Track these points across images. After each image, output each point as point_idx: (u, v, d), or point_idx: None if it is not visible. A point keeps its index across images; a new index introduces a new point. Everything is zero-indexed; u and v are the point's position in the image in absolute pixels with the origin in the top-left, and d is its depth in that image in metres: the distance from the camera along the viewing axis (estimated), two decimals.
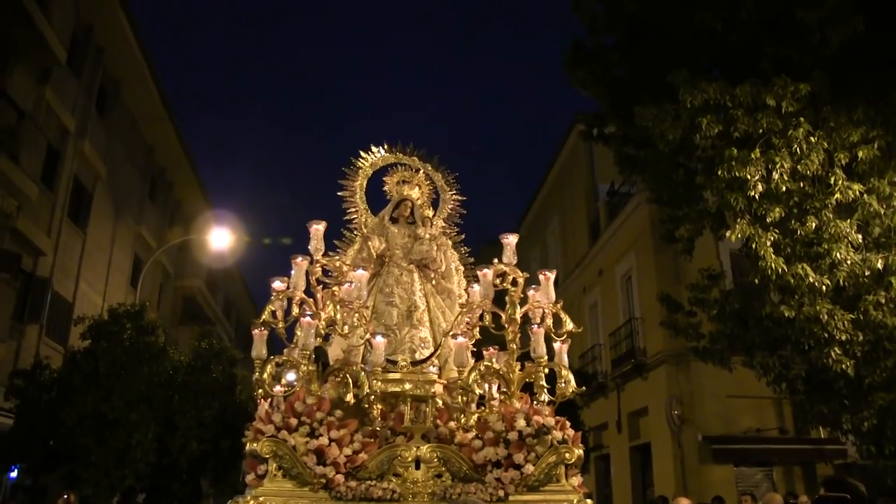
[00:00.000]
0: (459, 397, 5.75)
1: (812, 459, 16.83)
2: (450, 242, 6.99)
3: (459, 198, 7.18)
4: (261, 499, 4.94)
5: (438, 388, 5.70)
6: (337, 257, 6.36)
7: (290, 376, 5.87)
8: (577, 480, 5.48)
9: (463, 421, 5.67)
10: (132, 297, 21.39)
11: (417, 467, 5.20)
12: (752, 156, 8.75)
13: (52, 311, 18.09)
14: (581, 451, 5.51)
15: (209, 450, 14.53)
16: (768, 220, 8.98)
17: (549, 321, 5.91)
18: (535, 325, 5.78)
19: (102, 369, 14.00)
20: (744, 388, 14.85)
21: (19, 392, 14.43)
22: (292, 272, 5.81)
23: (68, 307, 18.99)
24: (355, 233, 6.90)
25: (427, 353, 6.18)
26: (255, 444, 5.11)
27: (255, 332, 5.72)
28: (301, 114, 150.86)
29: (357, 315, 5.74)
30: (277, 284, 5.78)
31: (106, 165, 21.18)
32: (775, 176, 8.77)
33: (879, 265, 9.00)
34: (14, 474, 16.75)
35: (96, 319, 15.27)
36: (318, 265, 6.00)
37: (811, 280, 8.84)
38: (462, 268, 6.95)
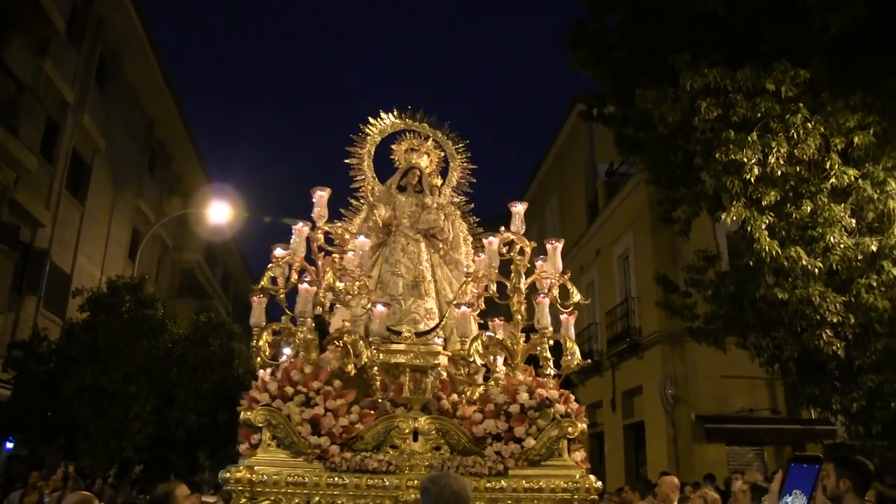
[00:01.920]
0: (463, 369, 5.69)
1: (803, 439, 17.00)
2: (458, 212, 6.80)
3: (470, 166, 6.95)
4: (254, 468, 4.82)
5: (443, 360, 5.54)
6: (339, 224, 6.17)
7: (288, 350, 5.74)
8: (579, 455, 5.34)
9: (468, 394, 5.56)
10: (130, 269, 21.42)
11: (415, 439, 5.11)
12: (750, 139, 8.83)
13: (50, 283, 18.16)
14: (584, 426, 5.33)
15: (207, 422, 14.69)
16: (764, 203, 9.07)
17: (556, 292, 5.75)
18: (541, 296, 5.57)
19: (101, 342, 14.12)
20: (737, 369, 14.96)
21: (17, 363, 14.58)
22: (293, 238, 5.68)
23: (66, 279, 19.05)
24: (362, 201, 6.68)
25: (432, 324, 6.03)
26: (249, 413, 5.00)
27: (254, 298, 5.57)
28: (301, 88, 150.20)
29: (358, 283, 5.59)
30: (279, 251, 5.64)
31: (105, 138, 21.16)
32: (771, 160, 8.86)
33: (873, 248, 9.11)
34: (10, 445, 16.89)
35: (95, 292, 15.37)
36: (319, 231, 5.82)
37: (804, 263, 8.95)
38: (471, 238, 6.72)
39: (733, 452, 17.54)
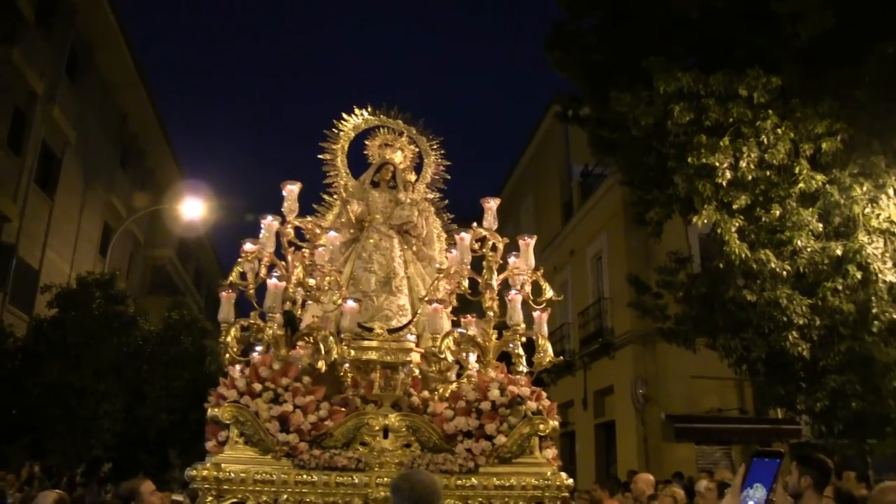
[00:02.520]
0: (435, 366, 5.64)
1: (769, 439, 17.24)
2: (432, 209, 6.72)
3: (444, 163, 6.87)
4: (221, 466, 4.72)
5: (415, 357, 5.54)
6: (310, 219, 6.14)
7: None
8: (551, 453, 5.30)
9: (441, 391, 5.52)
10: (101, 265, 21.23)
11: (386, 436, 5.05)
12: (722, 144, 8.97)
13: (17, 279, 17.89)
14: (556, 423, 5.31)
15: (178, 420, 14.58)
16: (734, 206, 9.22)
17: (528, 289, 5.72)
18: (514, 292, 5.57)
19: (70, 338, 13.99)
20: (707, 370, 15.14)
21: None
22: (262, 233, 5.60)
23: (34, 275, 18.78)
24: (335, 197, 6.63)
25: (405, 320, 5.96)
26: (216, 410, 4.93)
27: (223, 293, 5.47)
28: (275, 84, 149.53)
29: (329, 279, 5.52)
30: (248, 246, 5.58)
31: (76, 131, 20.88)
32: (743, 164, 9.01)
33: (838, 252, 9.28)
34: None
35: (64, 288, 15.20)
36: (289, 226, 5.76)
37: (773, 266, 9.12)
38: (444, 235, 6.68)
39: (702, 451, 17.76)
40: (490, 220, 5.91)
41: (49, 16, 18.83)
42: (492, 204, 5.97)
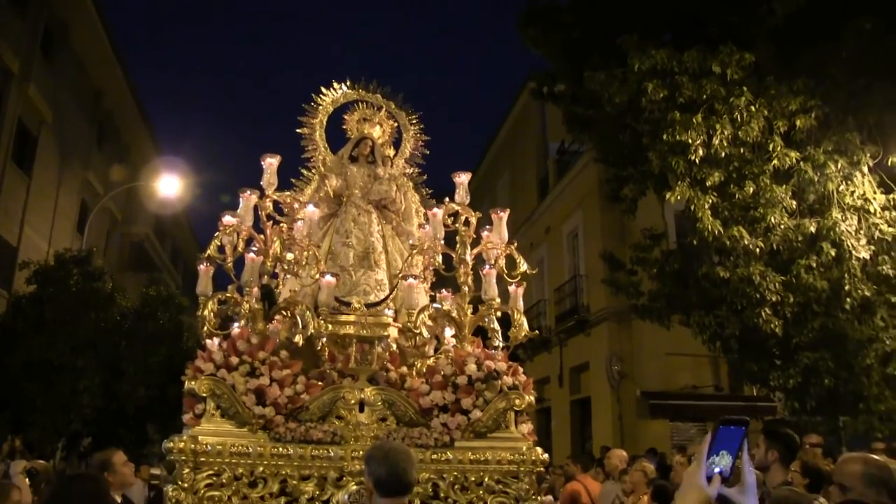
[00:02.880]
0: (411, 341, 5.64)
1: (745, 415, 17.38)
2: (410, 184, 6.69)
3: (423, 138, 6.83)
4: (198, 438, 4.73)
5: (392, 332, 5.50)
6: (288, 193, 6.11)
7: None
8: (526, 428, 5.31)
9: (419, 366, 5.53)
10: (78, 242, 21.11)
11: (361, 410, 5.05)
12: (694, 121, 9.03)
13: None
14: (532, 399, 5.28)
15: (156, 396, 14.62)
16: (708, 183, 9.29)
17: (503, 262, 5.70)
18: (488, 267, 5.56)
19: (48, 315, 14.00)
20: (682, 347, 15.28)
21: None
22: (240, 206, 5.59)
23: (13, 251, 18.69)
24: (313, 171, 6.58)
25: (382, 295, 5.89)
26: (193, 383, 4.92)
27: (201, 266, 5.44)
28: (253, 59, 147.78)
29: (307, 253, 5.51)
30: (227, 219, 5.54)
31: (52, 109, 20.67)
32: (716, 141, 9.07)
33: (811, 230, 9.39)
34: None
35: (42, 265, 15.15)
36: (268, 200, 5.75)
37: (746, 242, 9.21)
38: (423, 210, 6.57)
39: (677, 428, 17.96)
40: (462, 194, 5.90)
41: None
42: (463, 178, 5.96)
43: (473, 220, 5.84)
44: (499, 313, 5.58)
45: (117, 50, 23.78)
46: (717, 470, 2.01)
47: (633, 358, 17.79)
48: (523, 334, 5.50)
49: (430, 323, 5.52)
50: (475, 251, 5.78)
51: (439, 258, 5.88)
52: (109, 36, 22.92)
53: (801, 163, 9.37)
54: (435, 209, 5.71)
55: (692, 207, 9.34)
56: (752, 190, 9.33)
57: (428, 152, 6.87)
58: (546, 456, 5.21)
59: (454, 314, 5.61)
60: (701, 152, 9.15)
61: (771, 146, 9.27)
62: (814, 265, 9.50)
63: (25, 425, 13.88)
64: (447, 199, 5.94)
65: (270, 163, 5.84)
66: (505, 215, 5.87)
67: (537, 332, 5.83)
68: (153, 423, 16.18)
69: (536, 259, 23.86)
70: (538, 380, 21.92)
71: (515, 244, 5.80)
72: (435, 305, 5.72)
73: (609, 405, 17.88)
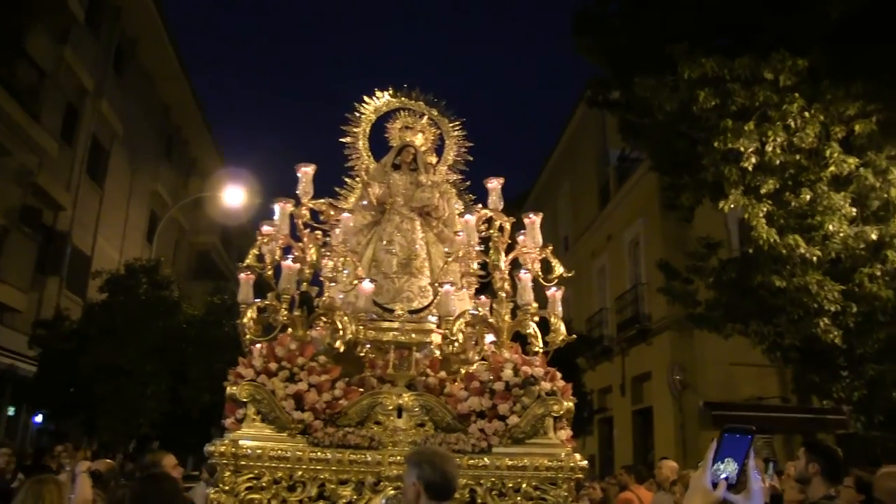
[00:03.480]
0: (451, 347, 5.49)
1: (813, 429, 16.96)
2: (454, 190, 6.67)
3: (466, 144, 6.81)
4: (238, 442, 4.81)
5: (435, 338, 5.46)
6: (324, 201, 6.10)
7: None
8: (565, 434, 5.19)
9: (462, 373, 5.47)
10: (148, 252, 21.83)
11: (399, 416, 5.05)
12: (746, 128, 8.88)
13: (72, 265, 18.66)
14: (571, 405, 5.19)
15: (219, 401, 14.94)
16: (763, 191, 9.11)
17: (538, 267, 5.65)
18: (523, 272, 5.50)
19: (119, 321, 14.50)
20: (746, 357, 14.94)
21: (41, 341, 15.08)
22: (275, 215, 5.63)
23: (87, 261, 19.49)
24: (357, 179, 6.60)
25: (426, 301, 5.89)
26: (234, 388, 5.02)
27: (241, 276, 5.55)
28: (312, 71, 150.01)
29: (343, 260, 5.58)
30: (265, 228, 5.60)
31: (123, 123, 21.55)
32: (769, 149, 8.90)
33: (873, 237, 9.13)
34: (39, 419, 17.44)
35: (113, 273, 15.73)
36: (303, 208, 5.78)
37: (802, 251, 8.98)
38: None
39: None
40: (495, 199, 5.88)
41: (97, 14, 19.49)
42: (495, 183, 5.93)
43: (507, 226, 5.83)
44: (537, 318, 5.51)
45: (183, 65, 24.60)
46: (722, 476, 2.08)
47: (696, 367, 17.49)
48: (561, 339, 5.42)
49: (468, 330, 5.47)
50: (511, 256, 5.75)
51: (474, 264, 5.92)
52: (176, 52, 23.79)
53: (861, 169, 9.13)
54: (467, 216, 5.74)
55: (746, 216, 9.19)
56: (808, 197, 9.12)
57: (471, 158, 6.84)
58: (585, 462, 5.10)
59: (492, 320, 5.59)
60: (754, 160, 9.00)
61: (828, 152, 9.05)
62: (878, 274, 9.22)
63: (97, 428, 14.45)
64: (479, 205, 5.96)
65: (305, 171, 5.90)
66: (538, 219, 5.79)
67: (574, 336, 5.67)
68: (216, 427, 16.57)
69: (598, 267, 23.74)
70: (600, 389, 22.03)
71: (550, 248, 5.73)
72: (472, 311, 5.66)
73: (671, 415, 17.63)
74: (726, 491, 2.07)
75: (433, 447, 3.30)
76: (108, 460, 7.27)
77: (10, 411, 17.17)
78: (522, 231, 5.82)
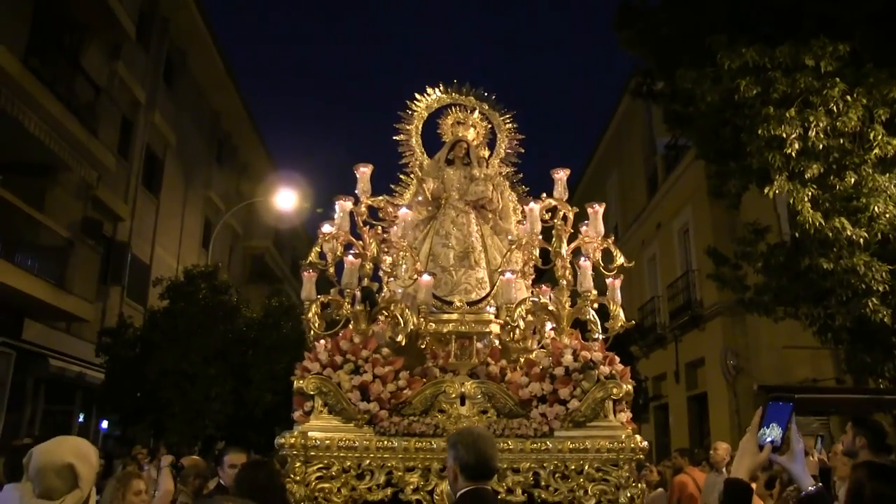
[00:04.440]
0: (511, 335, 5.61)
1: (869, 409, 16.78)
2: (507, 183, 6.76)
3: (517, 137, 6.89)
4: (307, 434, 4.95)
5: (494, 328, 5.54)
6: (382, 198, 6.22)
7: None
8: (625, 416, 5.29)
9: (522, 361, 5.57)
10: (204, 258, 22.43)
11: (462, 403, 5.17)
12: (788, 115, 8.93)
13: (132, 274, 19.27)
14: (630, 387, 5.28)
15: (281, 401, 15.39)
16: (807, 175, 9.15)
17: (598, 256, 5.74)
18: (583, 259, 5.57)
19: (181, 327, 15.02)
20: (799, 339, 14.88)
21: (107, 349, 15.64)
22: (336, 214, 5.77)
23: (146, 269, 20.13)
24: (411, 176, 6.72)
25: (484, 293, 5.98)
26: (301, 382, 5.15)
27: (304, 273, 5.69)
28: (358, 72, 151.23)
29: (403, 255, 5.70)
30: (326, 227, 5.73)
31: (175, 133, 22.16)
32: (811, 134, 8.95)
33: None
34: (105, 425, 18.11)
35: (173, 280, 16.25)
36: (363, 206, 5.91)
37: (849, 233, 9.02)
38: (520, 208, 6.54)
39: (798, 422, 17.34)
40: (560, 190, 5.99)
41: (147, 28, 20.05)
42: (561, 174, 6.04)
43: (570, 216, 5.91)
44: (596, 305, 5.63)
45: (231, 73, 25.15)
46: (768, 440, 2.35)
47: (749, 352, 17.49)
48: (619, 325, 5.53)
49: (528, 317, 5.58)
50: (573, 245, 5.85)
51: (536, 252, 6.01)
52: (224, 60, 24.32)
53: None
54: (532, 204, 5.80)
55: (791, 200, 9.25)
56: (853, 180, 9.14)
57: (523, 150, 6.93)
58: (645, 444, 5.18)
59: (552, 307, 5.69)
60: (797, 146, 9.05)
61: (871, 135, 9.04)
62: None
63: (165, 430, 14.98)
64: (544, 194, 6.01)
65: (363, 171, 6.04)
66: (601, 209, 5.91)
67: (633, 322, 5.78)
68: (280, 426, 17.00)
69: (648, 256, 23.74)
70: (655, 377, 22.06)
71: (612, 238, 5.87)
72: (532, 299, 5.77)
73: (725, 400, 17.62)
74: (772, 453, 2.30)
75: (472, 428, 3.32)
76: (195, 457, 7.68)
77: (80, 418, 17.81)
78: (585, 221, 5.92)
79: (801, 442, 2.41)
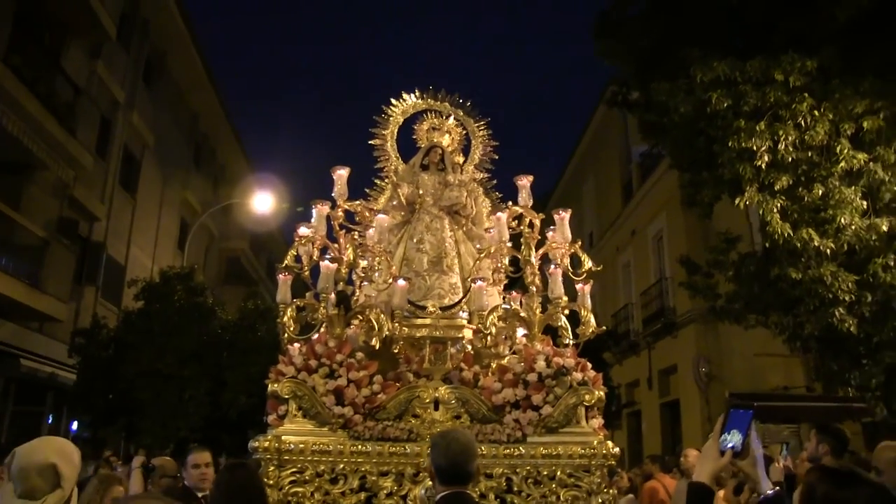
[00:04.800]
0: (483, 342, 5.62)
1: (839, 417, 17.00)
2: (481, 189, 6.83)
3: (491, 143, 6.98)
4: (281, 437, 4.96)
5: (467, 334, 5.63)
6: (359, 203, 6.30)
7: None
8: (597, 423, 5.35)
9: (494, 366, 5.61)
10: (180, 259, 22.32)
11: (436, 408, 5.21)
12: (758, 128, 9.18)
13: (107, 274, 19.13)
14: (602, 394, 5.34)
15: (256, 403, 15.36)
16: (776, 187, 9.39)
17: (567, 261, 5.79)
18: (553, 266, 5.64)
19: (156, 328, 14.96)
20: (771, 347, 15.07)
21: (80, 349, 15.57)
22: (313, 217, 5.82)
23: (121, 270, 20.00)
24: (386, 181, 6.78)
25: (457, 298, 6.02)
26: (276, 385, 5.16)
27: (280, 276, 5.70)
28: (339, 76, 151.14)
29: (378, 259, 5.72)
30: (302, 230, 5.74)
31: (153, 134, 22.08)
32: (780, 147, 9.20)
33: (885, 228, 9.39)
34: (74, 427, 17.95)
35: (149, 282, 16.20)
36: (339, 210, 5.94)
37: (816, 243, 9.27)
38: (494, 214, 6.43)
39: (768, 430, 17.69)
40: (525, 197, 6.03)
41: (127, 29, 20.01)
42: (525, 181, 6.08)
43: (537, 222, 5.96)
44: (567, 311, 5.68)
45: (211, 75, 25.10)
46: (729, 445, 2.48)
47: (721, 359, 17.68)
48: (591, 331, 5.58)
49: (500, 323, 5.62)
50: (541, 252, 5.89)
51: (506, 260, 6.04)
52: (203, 61, 24.25)
53: (871, 163, 9.38)
54: (499, 213, 5.90)
55: (760, 211, 9.47)
56: (820, 192, 9.38)
57: (496, 157, 7.02)
58: (617, 450, 5.26)
59: (523, 314, 5.73)
60: (767, 158, 9.29)
61: (838, 148, 9.31)
62: (892, 264, 9.46)
63: (138, 432, 14.91)
64: (510, 202, 6.10)
65: (340, 174, 6.07)
66: (567, 215, 5.97)
67: (605, 327, 5.88)
68: (254, 429, 16.98)
69: (623, 263, 23.96)
70: (628, 383, 22.24)
71: (579, 243, 5.92)
72: (504, 306, 5.81)
73: (698, 407, 17.79)
74: (734, 458, 2.43)
75: (451, 431, 3.28)
76: (165, 457, 7.69)
77: (49, 419, 17.62)
78: (551, 227, 5.98)
79: (761, 447, 2.53)
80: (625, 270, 24.08)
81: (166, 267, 17.37)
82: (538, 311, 5.72)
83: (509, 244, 5.91)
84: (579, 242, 5.93)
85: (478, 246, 6.40)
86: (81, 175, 16.83)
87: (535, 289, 5.75)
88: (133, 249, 21.15)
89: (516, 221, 6.04)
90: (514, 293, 6.33)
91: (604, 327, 5.88)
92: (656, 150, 20.43)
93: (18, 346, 15.15)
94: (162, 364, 14.48)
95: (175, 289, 15.83)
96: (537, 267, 5.83)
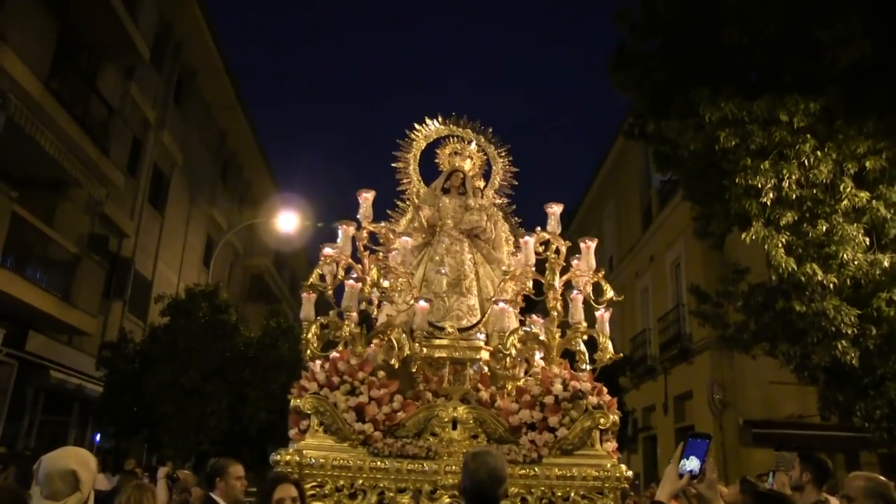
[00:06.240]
0: (502, 363, 5.79)
1: (854, 446, 17.03)
2: (500, 213, 6.99)
3: (511, 169, 7.16)
4: (303, 452, 5.06)
5: (484, 355, 5.77)
6: (383, 224, 6.42)
7: None
8: (611, 446, 5.48)
9: (509, 388, 5.74)
10: (205, 275, 22.79)
11: (454, 428, 5.34)
12: (763, 167, 9.52)
13: (134, 289, 19.68)
14: (616, 418, 5.49)
15: (276, 419, 15.66)
16: (781, 223, 9.71)
17: (589, 289, 5.92)
18: (575, 292, 5.79)
19: (181, 343, 15.37)
20: (786, 375, 15.00)
21: (107, 363, 16.01)
22: (339, 237, 5.92)
23: (148, 285, 20.54)
24: (408, 203, 6.94)
25: (475, 320, 6.19)
26: (298, 401, 5.30)
27: (304, 294, 5.81)
28: (365, 98, 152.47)
29: (401, 280, 5.83)
30: (327, 250, 5.84)
31: (182, 152, 22.65)
32: (785, 185, 9.53)
33: (886, 264, 9.66)
34: (98, 438, 18.36)
35: (175, 298, 16.61)
36: (364, 231, 6.05)
37: (819, 278, 9.54)
38: (512, 238, 6.87)
39: (782, 457, 17.69)
40: (553, 224, 6.17)
41: (160, 50, 20.62)
42: (555, 209, 6.20)
43: (563, 249, 6.11)
44: (585, 337, 5.86)
45: (239, 94, 25.62)
46: (688, 469, 2.83)
47: (736, 386, 17.78)
48: (608, 357, 5.75)
49: (519, 346, 5.77)
50: (564, 278, 6.08)
51: (530, 284, 6.21)
52: (233, 82, 24.77)
53: (874, 201, 9.68)
54: (527, 237, 6.03)
55: (765, 246, 9.76)
56: (824, 228, 9.68)
57: (516, 183, 7.23)
58: (630, 473, 5.41)
59: (542, 337, 5.91)
60: (772, 195, 9.60)
61: (842, 187, 9.63)
62: (895, 298, 9.71)
63: (160, 444, 15.28)
64: (538, 227, 6.19)
65: (366, 197, 6.19)
66: (593, 245, 6.14)
67: (621, 354, 6.06)
68: (273, 444, 17.27)
69: (641, 288, 24.10)
70: (645, 407, 22.34)
71: (602, 272, 6.10)
72: (524, 329, 5.98)
73: (712, 433, 17.84)
74: (691, 481, 2.79)
75: (481, 452, 3.14)
76: (186, 471, 8.02)
77: (74, 429, 18.06)
78: (577, 256, 6.19)
79: (716, 472, 2.90)
80: (643, 295, 24.22)
81: (192, 284, 17.78)
82: (557, 336, 5.90)
83: (533, 268, 6.07)
84: (602, 272, 6.11)
85: (503, 268, 6.59)
86: (113, 192, 17.32)
87: (556, 313, 5.92)
88: (160, 265, 21.65)
89: (542, 246, 6.17)
90: (534, 316, 6.50)
91: (620, 354, 6.06)
92: (675, 178, 20.65)
93: (48, 358, 15.59)
94: (185, 379, 14.84)
95: (200, 305, 16.21)
96: (560, 292, 6.00)
